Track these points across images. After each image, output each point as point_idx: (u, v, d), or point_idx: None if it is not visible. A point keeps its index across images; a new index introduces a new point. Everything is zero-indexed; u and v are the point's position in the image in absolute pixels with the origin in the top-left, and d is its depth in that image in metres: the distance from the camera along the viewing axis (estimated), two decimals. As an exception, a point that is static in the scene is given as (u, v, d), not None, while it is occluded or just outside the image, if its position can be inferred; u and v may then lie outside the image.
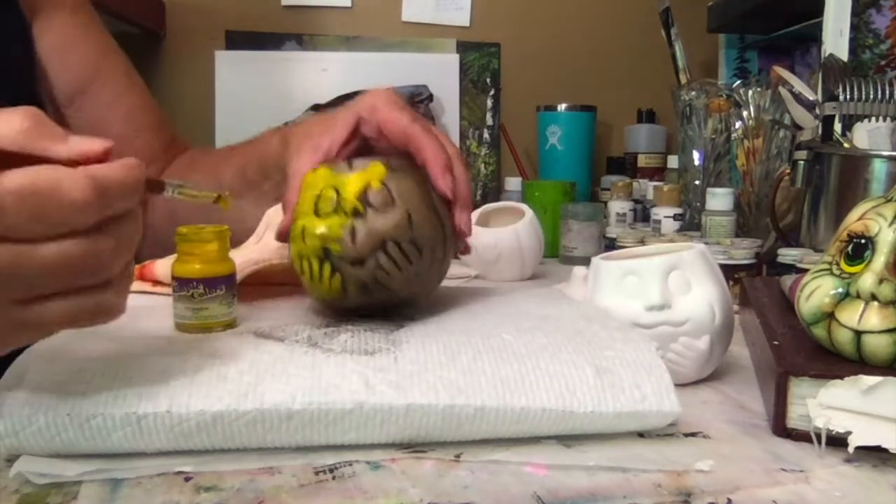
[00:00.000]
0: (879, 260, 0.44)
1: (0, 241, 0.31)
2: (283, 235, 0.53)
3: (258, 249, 0.58)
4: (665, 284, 0.52)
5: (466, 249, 0.58)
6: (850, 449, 0.40)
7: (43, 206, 0.31)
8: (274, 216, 0.61)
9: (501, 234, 0.91)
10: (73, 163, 0.33)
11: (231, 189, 0.48)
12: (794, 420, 0.44)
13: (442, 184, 0.52)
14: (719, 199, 0.97)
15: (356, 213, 0.48)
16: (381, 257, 0.48)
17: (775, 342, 0.49)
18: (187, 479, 0.37)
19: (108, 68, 0.77)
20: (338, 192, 0.48)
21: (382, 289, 0.49)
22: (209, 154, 0.81)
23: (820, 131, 0.86)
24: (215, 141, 1.37)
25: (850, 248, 0.47)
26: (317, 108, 1.35)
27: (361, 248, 0.48)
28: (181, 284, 0.48)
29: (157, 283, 0.57)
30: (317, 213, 0.49)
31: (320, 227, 0.48)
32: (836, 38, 1.00)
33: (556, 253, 1.07)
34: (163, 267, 0.57)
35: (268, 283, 0.57)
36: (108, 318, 0.36)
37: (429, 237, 0.50)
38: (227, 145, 0.82)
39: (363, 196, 0.48)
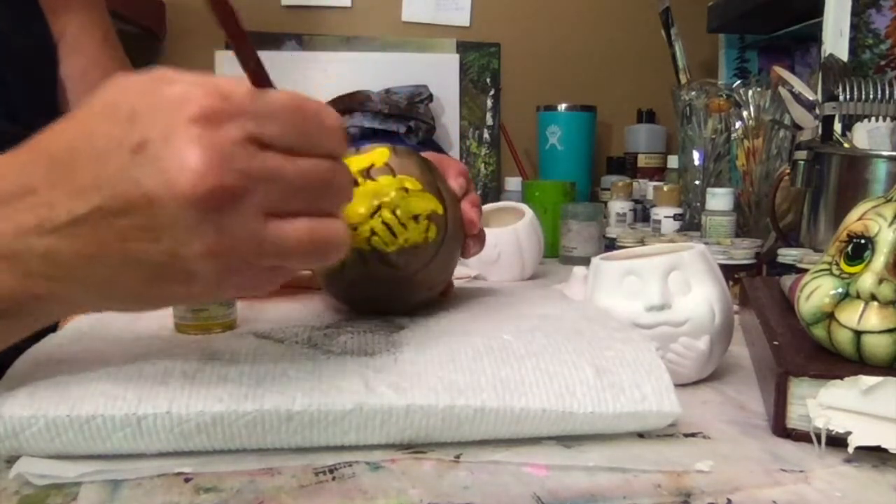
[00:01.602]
0: (879, 260, 0.44)
1: (267, 147, 0.33)
2: None
3: None
4: (665, 284, 0.52)
5: (474, 247, 0.58)
6: (850, 449, 0.40)
7: (306, 124, 0.35)
8: None
9: (501, 234, 0.91)
10: None
11: None
12: (794, 420, 0.43)
13: (454, 182, 0.55)
14: (719, 199, 0.97)
15: (355, 183, 0.49)
16: (376, 222, 0.49)
17: (775, 342, 0.49)
18: (187, 480, 0.37)
19: (105, 56, 0.78)
20: None
21: (379, 259, 0.49)
22: None
23: (820, 131, 0.86)
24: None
25: (849, 249, 0.47)
26: (317, 108, 1.35)
27: (356, 213, 0.49)
28: (181, 285, 0.48)
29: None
30: None
31: None
32: (836, 38, 1.00)
33: (556, 253, 1.07)
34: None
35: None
36: (337, 250, 0.36)
37: (426, 211, 0.50)
38: None
39: (364, 171, 0.50)
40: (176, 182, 0.31)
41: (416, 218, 0.50)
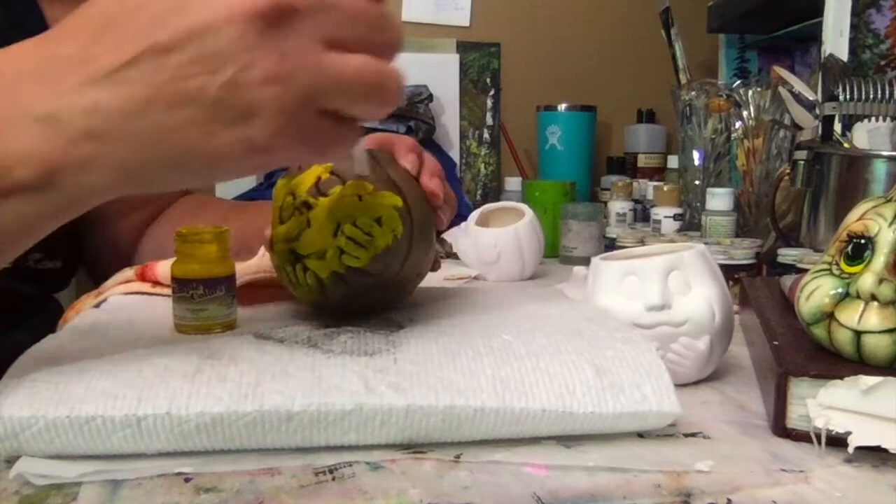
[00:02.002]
0: (879, 260, 0.44)
1: None
2: (268, 245, 0.53)
3: (257, 262, 0.58)
4: (665, 285, 0.52)
5: (445, 215, 0.56)
6: (850, 449, 0.40)
7: None
8: None
9: (501, 234, 0.91)
10: None
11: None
12: (794, 420, 0.43)
13: (405, 160, 0.53)
14: (719, 199, 0.97)
15: (308, 206, 0.48)
16: (341, 241, 0.48)
17: (775, 342, 0.49)
18: (187, 480, 0.37)
19: None
20: (293, 194, 0.49)
21: (356, 274, 0.48)
22: (211, 206, 0.81)
23: (820, 131, 0.86)
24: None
25: (849, 249, 0.47)
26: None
27: (319, 238, 0.48)
28: (181, 285, 0.48)
29: (156, 283, 0.57)
30: (281, 220, 0.49)
31: (281, 232, 0.49)
32: (836, 38, 1.00)
33: (556, 253, 1.07)
34: (164, 268, 0.57)
35: (268, 286, 0.57)
36: (395, 92, 0.35)
37: (387, 210, 0.49)
38: (229, 201, 0.82)
39: (313, 189, 0.49)
40: (233, 1, 0.31)
41: (378, 221, 0.49)
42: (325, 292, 0.49)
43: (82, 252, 0.77)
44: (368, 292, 0.50)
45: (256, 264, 0.57)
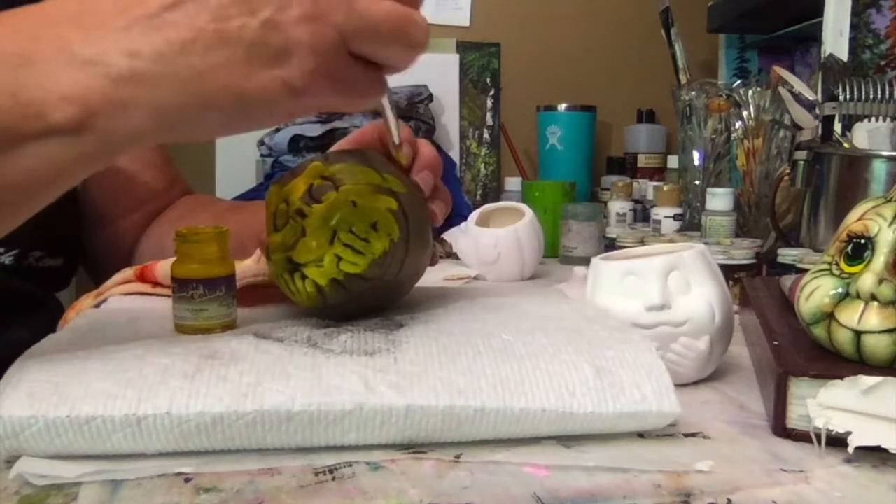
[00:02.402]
0: (879, 260, 0.44)
1: None
2: (263, 251, 0.53)
3: (254, 265, 0.58)
4: (665, 285, 0.52)
5: (440, 210, 0.55)
6: (850, 449, 0.40)
7: None
8: None
9: (501, 234, 0.91)
10: None
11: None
12: (793, 420, 0.43)
13: (406, 149, 0.53)
14: (719, 199, 0.97)
15: (302, 214, 0.48)
16: (338, 248, 0.48)
17: (775, 342, 0.49)
18: (187, 480, 0.37)
19: None
20: (287, 201, 0.49)
21: (355, 279, 0.48)
22: (209, 205, 0.82)
23: (820, 131, 0.86)
24: (215, 142, 1.37)
25: (849, 249, 0.47)
26: (317, 108, 1.35)
27: (316, 246, 0.48)
28: (180, 285, 0.48)
29: (156, 284, 0.57)
30: (276, 228, 0.49)
31: (277, 241, 0.49)
32: (836, 38, 1.00)
33: (556, 253, 1.07)
34: (163, 268, 0.57)
35: (268, 286, 0.57)
36: (422, 34, 0.36)
37: (382, 215, 0.49)
38: (228, 201, 0.82)
39: (307, 195, 0.48)
40: None
41: (374, 226, 0.48)
42: (325, 299, 0.49)
43: (83, 251, 0.77)
44: (368, 296, 0.50)
45: (254, 267, 0.57)
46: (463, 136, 1.54)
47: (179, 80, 0.34)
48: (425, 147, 0.56)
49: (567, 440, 0.42)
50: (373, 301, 0.51)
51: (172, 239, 0.49)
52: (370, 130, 0.56)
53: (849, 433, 0.40)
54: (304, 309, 0.54)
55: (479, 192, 1.54)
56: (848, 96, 0.81)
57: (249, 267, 0.56)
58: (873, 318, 0.43)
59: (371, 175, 0.50)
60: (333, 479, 0.38)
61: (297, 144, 1.30)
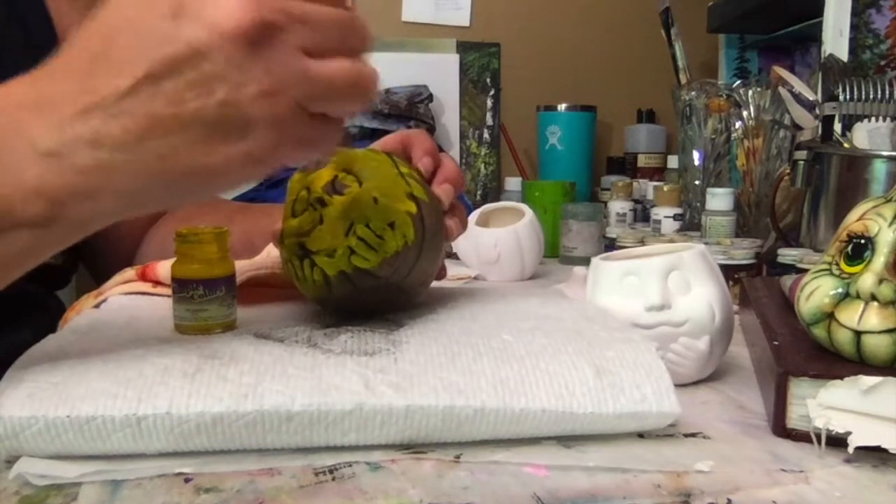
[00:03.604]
0: (879, 260, 0.44)
1: None
2: (276, 238, 0.53)
3: (260, 259, 0.58)
4: (665, 285, 0.52)
5: (456, 228, 0.56)
6: (850, 449, 0.40)
7: None
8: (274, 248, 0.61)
9: (501, 234, 0.91)
10: None
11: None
12: (793, 420, 0.43)
13: (420, 163, 0.54)
14: (719, 199, 0.97)
15: (322, 203, 0.48)
16: (352, 241, 0.48)
17: (775, 342, 0.49)
18: (187, 481, 0.37)
19: None
20: (308, 189, 0.49)
21: (363, 274, 0.49)
22: (215, 206, 0.81)
23: (820, 131, 0.86)
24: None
25: (849, 249, 0.47)
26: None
27: (331, 236, 0.48)
28: (180, 286, 0.48)
29: (157, 283, 0.57)
30: (293, 214, 0.50)
31: (293, 225, 0.49)
32: (836, 38, 1.00)
33: (556, 253, 1.07)
34: (165, 268, 0.57)
35: (268, 286, 0.57)
36: (368, 90, 0.37)
37: (400, 215, 0.49)
38: (234, 202, 0.82)
39: (329, 186, 0.49)
40: (218, 23, 0.32)
41: (391, 225, 0.49)
42: (331, 290, 0.49)
43: (83, 249, 0.77)
44: (373, 294, 0.50)
45: (259, 261, 0.57)
46: (463, 136, 1.54)
47: (142, 166, 0.35)
48: (448, 160, 0.57)
49: (567, 440, 0.42)
50: (376, 301, 0.51)
51: (174, 240, 0.49)
52: (394, 140, 0.58)
53: (849, 433, 0.40)
54: (304, 309, 0.55)
55: (479, 192, 1.54)
56: (848, 96, 0.81)
57: (254, 261, 0.56)
58: (873, 318, 0.43)
59: (395, 177, 0.50)
60: (333, 479, 0.38)
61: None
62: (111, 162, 0.34)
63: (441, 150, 0.59)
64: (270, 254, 0.60)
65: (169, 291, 0.50)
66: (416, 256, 0.51)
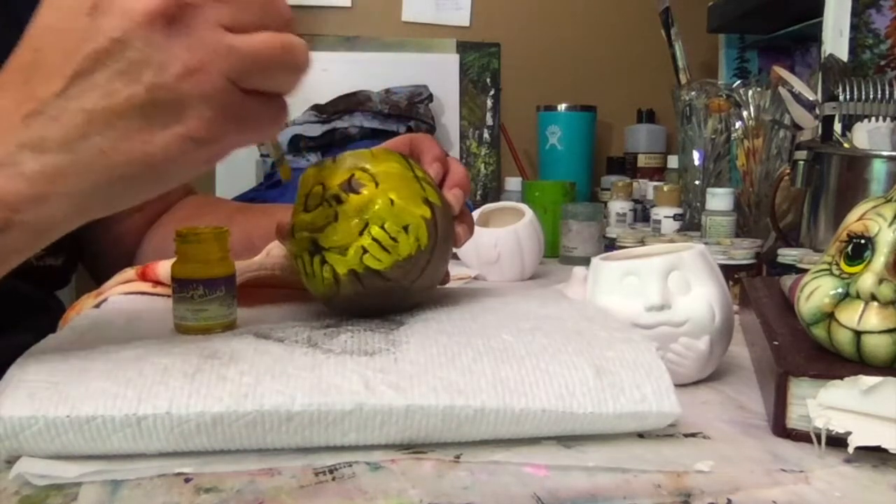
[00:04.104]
0: (879, 260, 0.44)
1: None
2: (282, 233, 0.53)
3: (259, 260, 0.58)
4: (665, 285, 0.52)
5: (464, 234, 0.56)
6: (850, 449, 0.40)
7: None
8: (275, 247, 0.61)
9: (501, 234, 0.91)
10: None
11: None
12: (794, 420, 0.44)
13: (430, 168, 0.54)
14: (719, 199, 0.97)
15: (338, 200, 0.49)
16: (366, 240, 0.48)
17: (775, 342, 0.49)
18: (187, 481, 0.37)
19: None
20: (323, 185, 0.49)
21: (374, 275, 0.49)
22: (215, 206, 0.82)
23: (820, 131, 0.86)
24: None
25: (849, 249, 0.47)
26: (317, 107, 1.36)
27: (345, 234, 0.48)
28: (181, 286, 0.48)
29: (157, 283, 0.57)
30: (306, 209, 0.50)
31: (306, 219, 0.49)
32: (836, 38, 1.00)
33: (556, 253, 1.07)
34: (165, 268, 0.57)
35: (268, 286, 0.57)
36: (300, 61, 0.37)
37: (415, 220, 0.49)
38: (234, 202, 0.82)
39: (346, 184, 0.49)
40: (131, 10, 0.34)
41: (405, 228, 0.49)
42: (339, 288, 0.49)
43: (83, 249, 0.77)
44: (380, 296, 0.50)
45: (259, 262, 0.57)
46: (463, 136, 1.54)
47: (87, 163, 0.36)
48: (456, 165, 0.58)
49: (567, 440, 0.42)
50: (380, 303, 0.51)
51: (174, 240, 0.49)
52: (401, 143, 0.58)
53: (849, 433, 0.40)
54: (304, 308, 0.54)
55: (479, 192, 1.54)
56: (848, 96, 0.81)
57: (253, 261, 0.56)
58: (873, 318, 0.43)
59: (411, 180, 0.51)
60: (333, 479, 0.38)
61: (298, 144, 1.30)
62: (57, 165, 0.35)
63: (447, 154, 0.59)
64: (270, 253, 0.60)
65: (169, 291, 0.50)
66: (427, 261, 0.51)
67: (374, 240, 0.48)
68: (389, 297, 0.51)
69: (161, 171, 0.37)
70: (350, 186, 0.49)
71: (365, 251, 0.48)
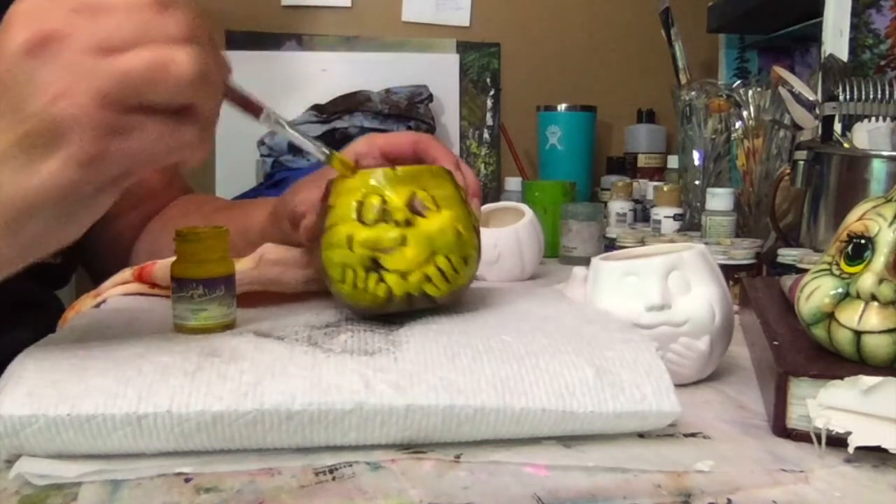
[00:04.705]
0: (879, 260, 0.44)
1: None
2: (310, 235, 0.52)
3: (250, 273, 0.57)
4: (665, 285, 0.52)
5: None
6: (850, 449, 0.40)
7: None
8: (269, 251, 0.61)
9: (501, 234, 0.91)
10: None
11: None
12: (794, 420, 0.43)
13: (458, 177, 0.53)
14: (719, 199, 0.97)
15: (408, 223, 0.48)
16: (430, 269, 0.48)
17: (775, 342, 0.49)
18: (187, 480, 0.37)
19: None
20: (383, 199, 0.48)
21: (426, 299, 0.49)
22: (202, 205, 0.81)
23: (820, 131, 0.86)
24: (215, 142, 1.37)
25: (849, 249, 0.47)
26: (317, 107, 1.36)
27: (412, 260, 0.48)
28: (180, 285, 0.48)
29: (154, 285, 0.57)
30: (361, 219, 0.48)
31: (370, 237, 0.47)
32: (836, 38, 1.00)
33: (556, 253, 1.07)
34: (160, 269, 0.57)
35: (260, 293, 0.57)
36: (179, 74, 0.36)
37: (473, 251, 0.50)
38: (221, 200, 0.82)
39: (411, 204, 0.48)
40: (4, 47, 0.34)
41: (465, 260, 0.49)
42: (386, 305, 0.48)
43: (82, 248, 0.77)
44: (421, 310, 0.50)
45: (250, 274, 0.56)
46: (463, 136, 1.54)
47: None
48: (470, 173, 0.57)
49: (567, 440, 0.42)
50: (406, 313, 0.51)
51: (170, 239, 0.49)
52: (406, 142, 0.58)
53: (849, 433, 0.40)
54: (303, 308, 0.54)
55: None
56: (848, 96, 0.81)
57: (245, 273, 0.56)
58: (873, 318, 0.43)
59: (463, 204, 0.51)
60: (333, 479, 0.38)
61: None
62: None
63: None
64: (263, 258, 0.60)
65: (167, 292, 0.50)
66: (469, 285, 0.52)
67: (439, 269, 0.48)
68: (426, 310, 0.51)
69: (62, 203, 0.37)
70: (415, 208, 0.48)
71: (428, 279, 0.48)
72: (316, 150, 0.49)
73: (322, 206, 0.51)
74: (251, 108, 0.45)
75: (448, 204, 0.49)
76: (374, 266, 0.48)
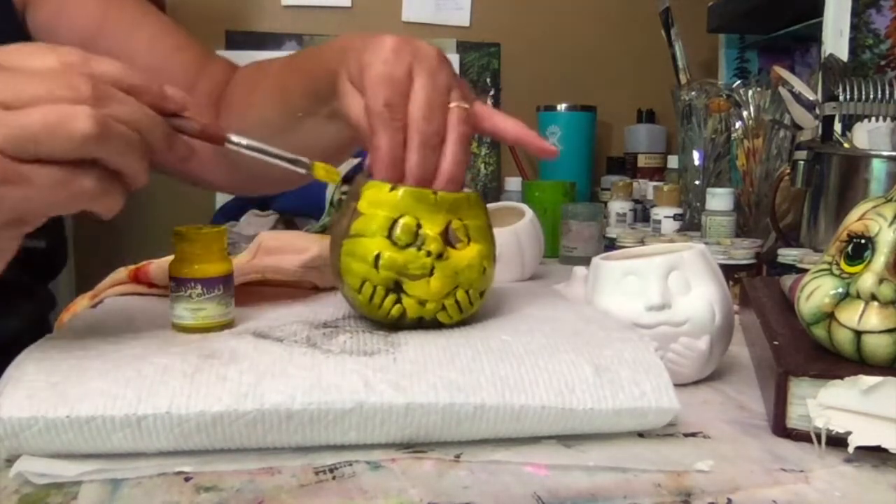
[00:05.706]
0: (879, 260, 0.44)
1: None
2: (334, 239, 0.50)
3: (247, 263, 0.57)
4: (665, 284, 0.52)
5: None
6: (850, 449, 0.40)
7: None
8: (267, 238, 0.61)
9: (501, 234, 0.90)
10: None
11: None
12: (794, 420, 0.43)
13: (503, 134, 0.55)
14: (719, 199, 0.97)
15: (440, 256, 0.47)
16: (449, 301, 0.48)
17: (775, 342, 0.49)
18: (187, 480, 0.37)
19: (115, 4, 0.72)
20: (419, 223, 0.47)
21: (437, 324, 0.49)
22: (266, 72, 0.71)
23: (820, 131, 0.86)
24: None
25: (849, 248, 0.47)
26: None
27: (436, 292, 0.48)
28: (178, 284, 0.48)
29: (151, 285, 0.57)
30: (392, 238, 0.47)
31: (399, 260, 0.47)
32: (836, 38, 1.00)
33: (556, 253, 1.07)
34: (158, 269, 0.57)
35: (259, 284, 0.57)
36: (74, 130, 0.37)
37: (491, 283, 0.51)
38: (276, 62, 0.70)
39: (444, 234, 0.48)
40: None
41: (482, 294, 0.50)
42: (397, 323, 0.48)
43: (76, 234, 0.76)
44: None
45: (249, 266, 0.57)
46: (463, 136, 1.54)
47: None
48: (507, 122, 0.57)
49: (567, 440, 0.42)
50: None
51: (171, 238, 0.49)
52: (512, 135, 0.57)
53: (849, 433, 0.40)
54: (303, 308, 0.54)
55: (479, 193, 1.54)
56: (848, 96, 0.81)
57: (244, 264, 0.56)
58: (873, 318, 0.43)
59: (491, 236, 0.51)
60: (334, 478, 0.38)
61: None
62: None
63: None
64: (262, 245, 0.59)
65: (165, 292, 0.50)
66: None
67: (457, 301, 0.48)
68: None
69: None
70: (448, 239, 0.48)
71: (443, 308, 0.48)
72: (293, 166, 0.47)
73: (346, 204, 0.50)
74: (214, 139, 0.45)
75: (478, 236, 0.49)
76: (396, 287, 0.47)
